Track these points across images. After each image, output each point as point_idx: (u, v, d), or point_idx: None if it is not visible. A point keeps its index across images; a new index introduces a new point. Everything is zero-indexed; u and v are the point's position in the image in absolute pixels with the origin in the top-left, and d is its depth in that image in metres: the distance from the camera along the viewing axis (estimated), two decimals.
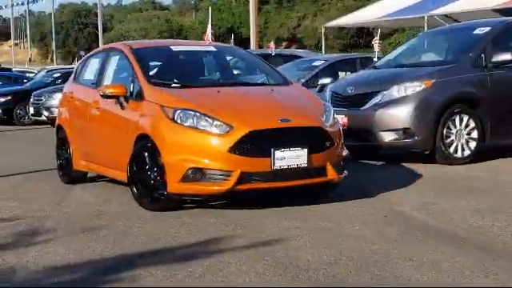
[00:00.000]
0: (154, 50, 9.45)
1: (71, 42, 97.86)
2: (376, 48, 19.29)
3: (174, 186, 7.62)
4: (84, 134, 9.66)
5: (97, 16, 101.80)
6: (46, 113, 21.52)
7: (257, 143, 7.46)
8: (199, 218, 7.50)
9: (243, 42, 51.79)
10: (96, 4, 70.89)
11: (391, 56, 12.99)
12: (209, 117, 7.59)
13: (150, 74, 8.68)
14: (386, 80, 11.40)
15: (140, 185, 8.09)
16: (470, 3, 23.45)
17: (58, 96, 20.94)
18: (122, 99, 8.50)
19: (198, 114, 7.62)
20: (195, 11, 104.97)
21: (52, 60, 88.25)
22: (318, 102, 8.38)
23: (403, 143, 11.01)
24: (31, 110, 22.54)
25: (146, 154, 7.96)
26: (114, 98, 8.58)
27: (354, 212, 7.61)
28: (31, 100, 22.56)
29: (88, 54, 10.68)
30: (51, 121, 21.73)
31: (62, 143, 10.45)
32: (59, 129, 10.59)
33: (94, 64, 10.04)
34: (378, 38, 20.11)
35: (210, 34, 17.47)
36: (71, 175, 10.24)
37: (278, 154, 7.48)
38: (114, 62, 9.39)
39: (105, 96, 8.60)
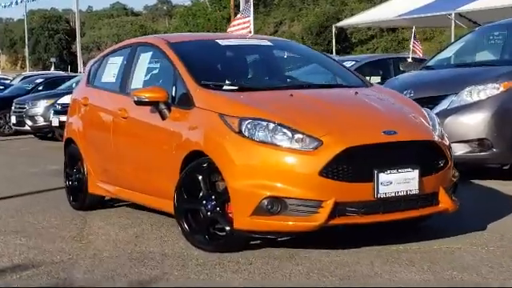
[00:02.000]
0: (197, 45, 7.57)
1: (41, 48, 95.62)
2: (411, 48, 17.47)
3: (242, 220, 5.75)
4: (105, 149, 7.73)
5: (67, 22, 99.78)
6: (29, 122, 19.42)
7: (355, 163, 5.63)
8: (272, 261, 5.65)
9: None
10: (66, 10, 68.80)
11: (446, 54, 11.22)
12: (288, 128, 5.72)
13: (198, 74, 6.68)
14: (453, 82, 9.65)
15: (192, 217, 6.19)
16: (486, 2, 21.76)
17: (43, 103, 19.14)
18: (162, 106, 6.59)
19: (273, 125, 5.77)
20: (168, 17, 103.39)
21: (22, 67, 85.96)
22: (417, 107, 6.53)
23: (478, 156, 9.25)
24: (13, 120, 20.39)
25: (201, 177, 6.09)
26: (150, 104, 6.64)
27: (482, 254, 5.79)
28: (13, 108, 20.41)
29: (105, 52, 8.72)
30: (35, 131, 19.69)
31: (73, 161, 8.52)
32: (69, 143, 8.66)
33: (114, 63, 8.12)
34: (413, 37, 18.32)
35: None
36: (85, 200, 8.30)
37: (383, 177, 5.64)
38: (144, 60, 7.50)
39: (139, 102, 6.67)
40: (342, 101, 6.45)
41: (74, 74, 28.76)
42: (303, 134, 5.71)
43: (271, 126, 5.78)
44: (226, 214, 5.99)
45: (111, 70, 8.12)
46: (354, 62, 13.80)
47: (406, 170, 5.75)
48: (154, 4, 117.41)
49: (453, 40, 18.64)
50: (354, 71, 7.63)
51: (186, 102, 6.53)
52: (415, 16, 24.78)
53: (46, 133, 19.45)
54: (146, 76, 7.42)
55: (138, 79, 7.47)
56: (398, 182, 5.70)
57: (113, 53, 8.43)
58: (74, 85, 18.67)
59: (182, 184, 6.26)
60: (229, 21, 54.31)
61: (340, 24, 33.11)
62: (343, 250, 5.91)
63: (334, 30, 30.83)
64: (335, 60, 8.01)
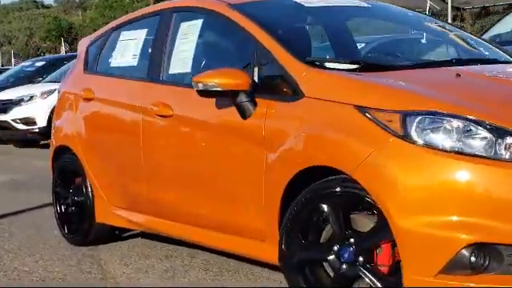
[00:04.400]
0: (276, 8, 5.13)
1: None
2: None
3: (420, 280, 3.44)
4: (128, 163, 5.41)
5: None
6: None
7: None
8: None
9: None
10: None
11: None
12: (488, 127, 3.41)
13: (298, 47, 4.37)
14: None
15: (312, 273, 3.88)
16: None
17: None
18: (243, 98, 4.25)
19: (462, 123, 3.51)
20: (82, 10, 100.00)
21: None
22: None
23: None
24: None
25: (330, 208, 3.82)
26: (222, 95, 4.25)
27: None
28: None
29: (111, 25, 6.22)
30: None
31: (69, 178, 6.13)
32: (60, 153, 6.20)
33: (132, 39, 5.73)
34: None
35: None
36: (89, 233, 5.91)
37: None
38: (188, 31, 5.10)
39: (205, 93, 4.28)
40: None
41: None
42: None
43: (459, 123, 3.50)
44: (376, 267, 3.69)
45: (127, 49, 5.70)
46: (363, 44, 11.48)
47: None
48: None
49: None
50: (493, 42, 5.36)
51: (282, 90, 4.23)
52: None
53: None
54: (195, 55, 4.99)
55: (180, 60, 5.08)
56: None
57: (127, 25, 5.96)
58: None
59: (294, 219, 3.96)
60: None
61: None
62: None
63: None
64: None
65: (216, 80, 4.30)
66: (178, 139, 4.89)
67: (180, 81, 5.07)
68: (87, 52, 6.26)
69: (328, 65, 4.27)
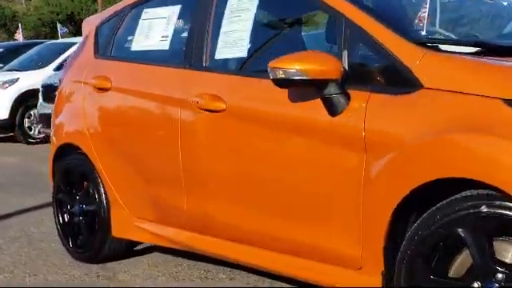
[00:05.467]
0: None
1: None
2: None
3: None
4: (160, 167, 4.47)
5: None
6: None
7: None
8: None
9: None
10: None
11: None
12: None
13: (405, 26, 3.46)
14: None
15: None
16: None
17: None
18: (332, 89, 3.26)
19: None
20: None
21: None
22: None
23: None
24: None
25: (473, 235, 2.94)
26: (301, 85, 3.32)
27: None
28: None
29: (128, 2, 5.18)
30: None
31: (76, 182, 5.10)
32: (64, 153, 5.19)
33: (160, 18, 4.75)
34: None
35: None
36: (102, 248, 4.98)
37: None
38: (247, 7, 4.13)
39: (284, 82, 3.33)
40: None
41: None
42: None
43: None
44: None
45: (153, 30, 4.72)
46: None
47: None
48: None
49: None
50: None
51: (385, 79, 3.32)
52: None
53: None
54: (252, 36, 4.03)
55: (231, 42, 4.10)
56: None
57: (149, 1, 4.95)
58: None
59: (417, 248, 3.06)
60: (95, 1, 50.71)
61: None
62: None
63: None
64: None
65: (300, 66, 3.37)
66: (233, 139, 3.94)
67: (233, 68, 4.13)
68: (97, 33, 5.25)
69: (444, 47, 3.36)
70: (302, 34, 4.13)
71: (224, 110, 3.96)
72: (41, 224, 6.38)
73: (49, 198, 6.91)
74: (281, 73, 3.41)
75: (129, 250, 5.13)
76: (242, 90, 3.92)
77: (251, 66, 3.96)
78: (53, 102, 10.62)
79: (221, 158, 4.01)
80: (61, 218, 5.32)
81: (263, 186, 3.78)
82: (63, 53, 14.01)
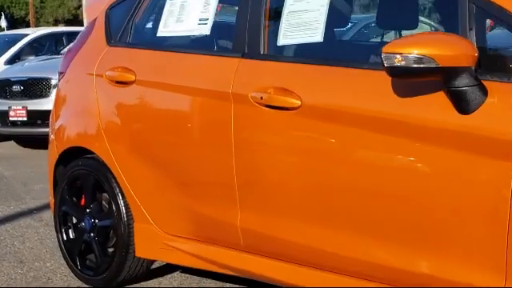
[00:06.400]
0: None
1: None
2: None
3: None
4: (204, 174, 3.69)
5: None
6: None
7: None
8: None
9: (16, 23, 47.39)
10: None
11: None
12: None
13: None
14: None
15: None
16: None
17: None
18: (467, 79, 2.57)
19: None
20: None
21: None
22: None
23: None
24: None
25: None
26: (421, 74, 2.61)
27: None
28: None
29: None
30: None
31: (87, 193, 4.27)
32: (72, 159, 4.36)
33: None
34: None
35: None
36: (121, 271, 4.11)
37: None
38: None
39: (402, 70, 2.61)
40: None
41: None
42: None
43: None
44: None
45: (187, 12, 3.96)
46: None
47: None
48: None
49: None
50: None
51: None
52: None
53: None
54: (330, 16, 3.32)
55: (299, 25, 3.36)
56: None
57: None
58: None
59: None
60: None
61: None
62: None
63: None
64: None
65: (427, 51, 2.67)
66: (312, 144, 3.22)
67: (305, 55, 3.40)
68: (108, 18, 4.45)
69: None
70: (397, 11, 3.42)
71: (299, 107, 3.23)
72: (25, 239, 5.57)
73: (23, 206, 6.10)
74: (399, 59, 2.71)
75: (150, 271, 4.35)
76: (324, 83, 3.19)
77: (333, 52, 3.23)
78: (6, 98, 9.82)
79: (295, 166, 3.30)
80: (65, 235, 4.52)
81: (355, 201, 3.08)
82: (14, 45, 13.05)
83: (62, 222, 4.53)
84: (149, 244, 4.07)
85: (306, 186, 3.26)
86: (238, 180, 3.52)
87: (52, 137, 4.62)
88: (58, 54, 12.92)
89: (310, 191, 3.25)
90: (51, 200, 4.69)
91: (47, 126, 9.69)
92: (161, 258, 4.11)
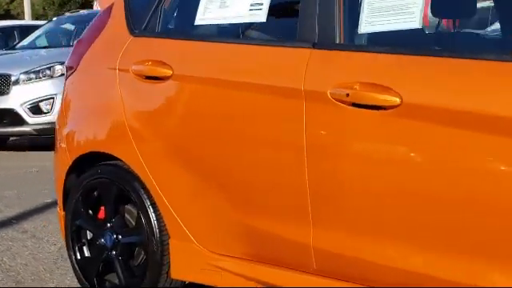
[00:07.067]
0: None
1: None
2: None
3: None
4: (264, 185, 3.19)
5: None
6: None
7: None
8: None
9: None
10: None
11: None
12: None
13: None
14: None
15: None
16: None
17: None
18: None
19: None
20: None
21: None
22: None
23: None
24: None
25: None
26: None
27: None
28: None
29: None
30: None
31: (108, 206, 3.70)
32: (89, 167, 3.77)
33: None
34: None
35: None
36: None
37: None
38: None
39: None
40: None
41: None
42: None
43: None
44: None
45: None
46: None
47: None
48: None
49: None
50: None
51: None
52: None
53: None
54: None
55: (387, 10, 2.89)
56: None
57: None
58: None
59: None
60: None
61: None
62: None
63: None
64: None
65: None
66: (416, 149, 2.71)
67: (398, 45, 2.90)
68: (128, 4, 3.86)
69: None
70: None
71: (398, 106, 2.71)
72: (14, 254, 4.97)
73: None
74: None
75: None
76: (423, 78, 2.70)
77: (438, 40, 2.74)
78: None
79: (390, 177, 2.78)
80: (79, 253, 3.92)
81: (470, 220, 2.58)
82: None
83: (75, 238, 3.93)
84: (188, 264, 3.54)
85: (404, 203, 2.76)
86: (311, 194, 3.00)
87: (62, 144, 4.01)
88: (12, 48, 12.19)
89: (410, 209, 2.75)
90: (60, 213, 4.09)
91: (5, 125, 9.06)
92: (202, 281, 3.56)
